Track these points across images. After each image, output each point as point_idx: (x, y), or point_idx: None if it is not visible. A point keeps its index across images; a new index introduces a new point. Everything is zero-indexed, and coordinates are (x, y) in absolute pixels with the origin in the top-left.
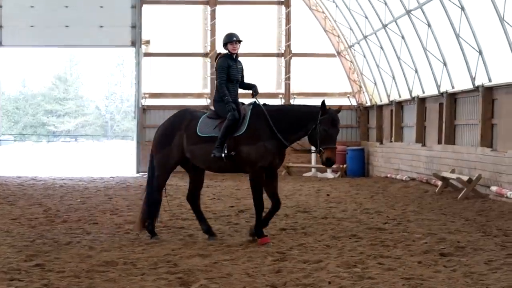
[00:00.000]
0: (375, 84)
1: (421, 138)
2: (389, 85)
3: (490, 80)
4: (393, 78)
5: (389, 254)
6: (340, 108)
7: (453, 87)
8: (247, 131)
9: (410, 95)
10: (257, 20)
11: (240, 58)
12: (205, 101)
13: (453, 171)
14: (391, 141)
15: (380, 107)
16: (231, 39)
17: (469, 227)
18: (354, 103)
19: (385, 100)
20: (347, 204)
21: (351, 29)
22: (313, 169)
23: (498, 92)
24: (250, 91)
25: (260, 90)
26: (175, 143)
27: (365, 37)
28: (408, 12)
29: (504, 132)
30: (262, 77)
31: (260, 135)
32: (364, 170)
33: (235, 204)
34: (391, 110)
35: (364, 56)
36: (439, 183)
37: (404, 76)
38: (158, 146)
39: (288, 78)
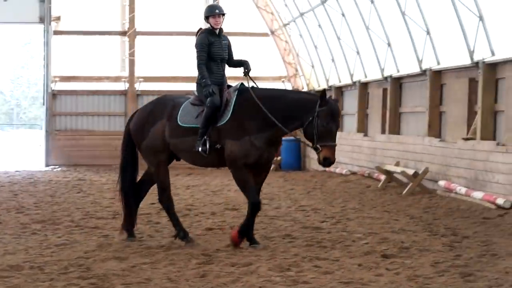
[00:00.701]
0: (313, 66)
1: (363, 128)
2: (328, 68)
3: (438, 63)
4: (333, 60)
5: (326, 255)
6: (337, 99)
7: (398, 71)
8: (231, 121)
9: (351, 79)
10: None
11: (163, 38)
12: (123, 86)
13: (397, 164)
14: None
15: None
16: (212, 12)
17: (415, 226)
18: (289, 88)
19: (323, 85)
20: (281, 201)
21: (286, 5)
22: None
23: (447, 76)
24: (242, 69)
25: (185, 74)
26: (154, 131)
27: (301, 14)
28: None
29: (454, 120)
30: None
31: (246, 127)
32: (300, 163)
33: (156, 201)
34: (330, 96)
35: (301, 35)
36: (382, 177)
37: (345, 58)
38: (138, 139)
39: None
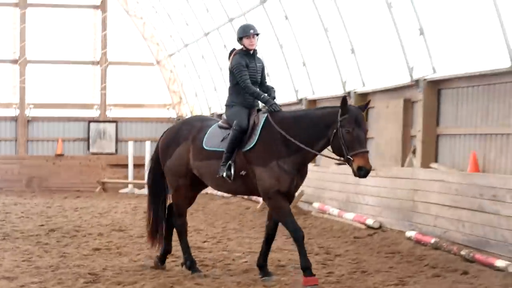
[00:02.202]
0: (196, 95)
1: None
2: (210, 96)
3: (313, 93)
4: (215, 89)
5: (208, 274)
6: (367, 104)
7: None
8: (258, 145)
9: None
10: (71, 25)
11: (53, 66)
12: (13, 112)
13: None
14: None
15: None
16: (247, 33)
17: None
18: (174, 115)
19: (206, 112)
20: None
21: (171, 36)
22: (130, 185)
23: (322, 105)
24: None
25: (74, 101)
26: (178, 154)
27: (185, 45)
28: (230, 20)
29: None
30: (76, 86)
31: (272, 152)
32: None
33: (45, 222)
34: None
35: (185, 65)
36: (261, 199)
37: (226, 87)
38: (162, 159)
39: (104, 88)
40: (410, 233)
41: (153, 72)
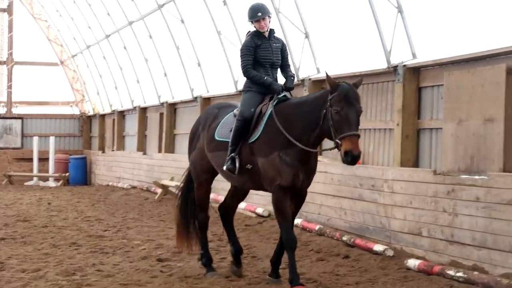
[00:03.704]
0: (98, 93)
1: (142, 147)
2: (111, 94)
3: (208, 91)
4: (116, 88)
5: (108, 261)
6: (359, 81)
7: (173, 98)
8: (261, 137)
9: (132, 104)
10: None
11: (35, 67)
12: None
13: (172, 179)
14: (113, 150)
15: (102, 116)
16: (254, 17)
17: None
18: (77, 112)
19: (107, 110)
20: (68, 213)
21: (74, 38)
22: (35, 178)
23: (215, 102)
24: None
25: None
26: (199, 147)
27: (88, 47)
28: (130, 23)
29: None
30: None
31: (274, 143)
32: (86, 178)
33: None
34: (114, 119)
35: (87, 65)
36: (159, 190)
37: (126, 86)
38: (188, 151)
39: (10, 87)
40: (297, 221)
41: (57, 72)
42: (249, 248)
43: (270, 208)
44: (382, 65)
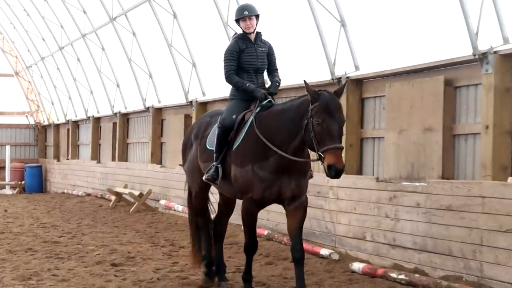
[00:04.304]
0: (53, 103)
1: (96, 156)
2: (66, 105)
3: (159, 102)
4: (70, 98)
5: (63, 266)
6: (341, 89)
7: (126, 108)
8: (241, 145)
9: (86, 114)
10: None
11: None
12: None
13: (126, 186)
14: (68, 159)
15: (57, 126)
16: (241, 14)
17: (140, 238)
18: (32, 121)
19: (62, 119)
20: (24, 219)
21: (28, 50)
22: None
23: (167, 112)
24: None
25: None
26: (193, 156)
27: (42, 58)
28: (83, 35)
29: (172, 150)
30: None
31: (249, 153)
32: (42, 186)
33: None
34: (68, 129)
35: (42, 76)
36: (113, 197)
37: (80, 96)
38: (182, 161)
39: None
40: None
41: (12, 82)
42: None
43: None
44: (326, 77)
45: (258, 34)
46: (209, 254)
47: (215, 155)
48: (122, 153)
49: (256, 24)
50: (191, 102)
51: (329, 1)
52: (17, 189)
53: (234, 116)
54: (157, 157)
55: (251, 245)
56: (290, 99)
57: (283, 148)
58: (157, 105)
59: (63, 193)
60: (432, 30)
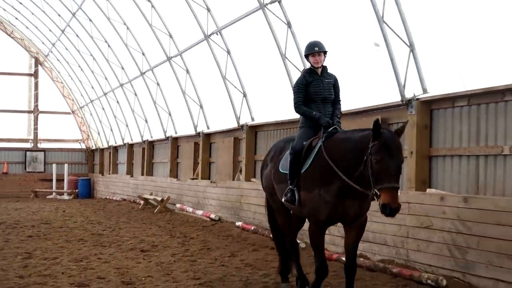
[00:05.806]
0: (99, 133)
1: (130, 171)
2: (108, 134)
3: (176, 132)
4: (111, 129)
5: (106, 251)
6: (402, 128)
7: (151, 137)
8: (308, 169)
9: (123, 141)
10: (11, 86)
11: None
12: None
13: (151, 194)
14: (109, 174)
15: (102, 150)
16: (311, 50)
17: (161, 232)
18: (83, 146)
19: (105, 145)
20: (77, 217)
21: (81, 95)
22: (53, 193)
23: (181, 141)
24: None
25: (16, 136)
26: (267, 174)
27: (91, 101)
28: (122, 85)
29: (184, 168)
30: (17, 127)
31: (317, 178)
32: (90, 193)
33: None
34: (110, 152)
35: (91, 114)
36: (142, 202)
37: (118, 128)
38: (260, 178)
39: (36, 129)
40: (238, 223)
41: (69, 118)
42: (205, 243)
43: (220, 214)
44: (396, 98)
45: (324, 68)
46: (303, 276)
47: (289, 179)
48: (149, 170)
49: (324, 60)
50: (199, 133)
51: (398, 26)
52: (72, 196)
53: (304, 143)
54: (174, 172)
55: (322, 269)
56: (354, 130)
57: (346, 173)
58: (174, 135)
59: (106, 198)
60: (368, 82)
